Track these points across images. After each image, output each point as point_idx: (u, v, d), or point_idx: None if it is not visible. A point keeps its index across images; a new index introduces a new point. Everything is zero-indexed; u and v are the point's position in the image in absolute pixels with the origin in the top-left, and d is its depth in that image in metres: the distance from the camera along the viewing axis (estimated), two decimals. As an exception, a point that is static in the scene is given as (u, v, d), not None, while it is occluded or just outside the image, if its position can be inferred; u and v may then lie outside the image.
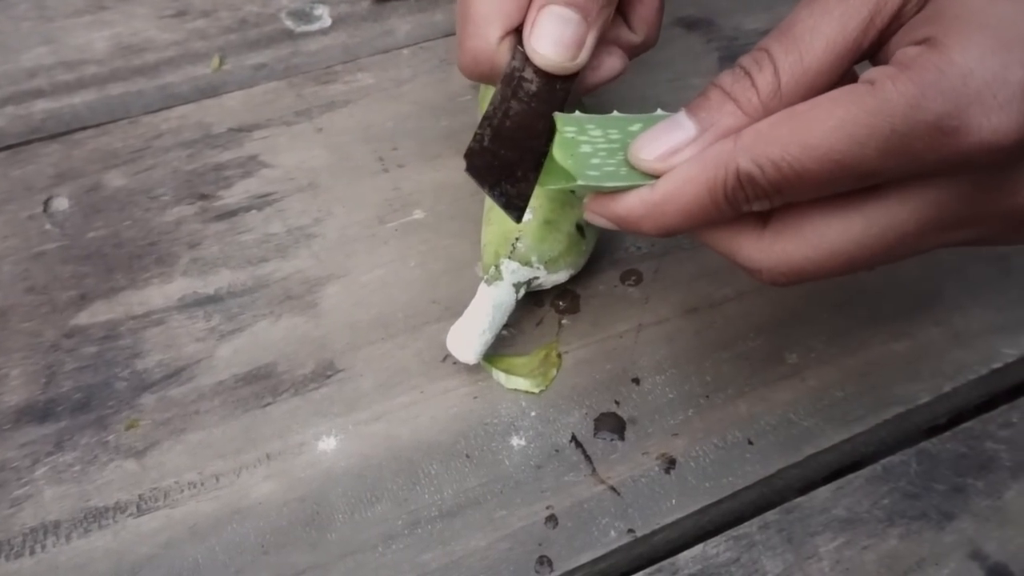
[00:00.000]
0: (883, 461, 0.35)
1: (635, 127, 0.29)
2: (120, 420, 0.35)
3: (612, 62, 0.33)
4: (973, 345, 0.38)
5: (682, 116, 0.28)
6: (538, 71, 0.31)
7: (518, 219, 0.32)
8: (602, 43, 0.32)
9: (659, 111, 0.29)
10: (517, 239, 0.36)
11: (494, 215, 0.37)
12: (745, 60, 0.27)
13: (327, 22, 0.52)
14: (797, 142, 0.25)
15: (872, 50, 0.27)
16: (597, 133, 0.29)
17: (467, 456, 0.34)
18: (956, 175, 0.25)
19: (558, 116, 0.30)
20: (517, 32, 0.31)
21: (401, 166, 0.44)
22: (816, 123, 0.24)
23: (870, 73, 0.25)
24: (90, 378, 0.36)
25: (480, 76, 0.32)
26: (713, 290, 0.40)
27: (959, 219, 0.26)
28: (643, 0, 0.33)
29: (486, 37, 0.31)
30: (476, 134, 0.31)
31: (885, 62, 0.26)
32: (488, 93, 0.42)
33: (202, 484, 0.33)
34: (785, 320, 0.39)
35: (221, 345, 0.37)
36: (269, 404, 0.36)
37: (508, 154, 0.31)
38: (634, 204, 0.28)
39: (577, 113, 0.30)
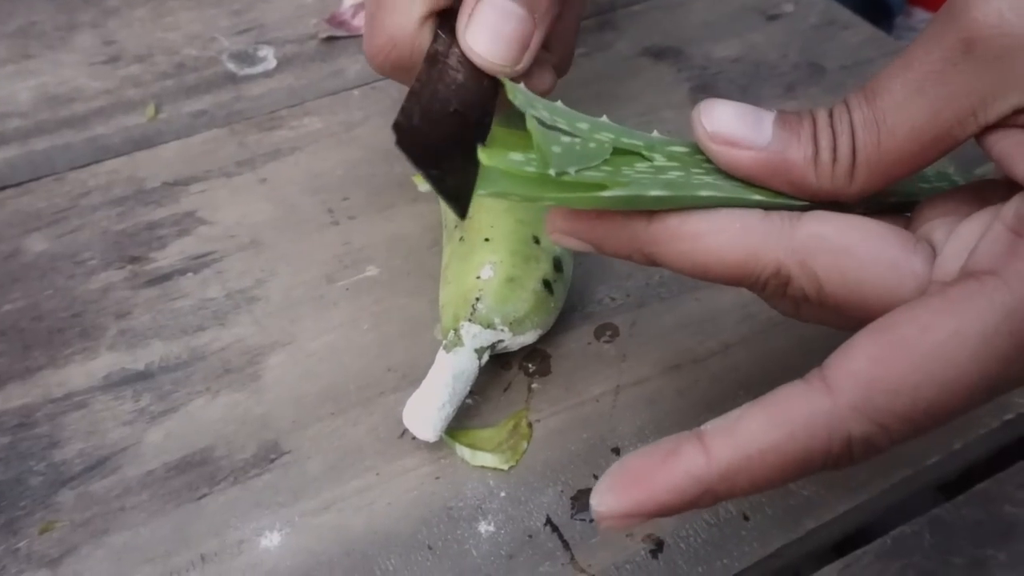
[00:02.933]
0: (893, 533, 0.31)
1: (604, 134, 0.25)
2: (33, 523, 0.31)
3: (543, 75, 0.29)
4: (981, 394, 0.35)
5: (767, 120, 0.24)
6: (464, 61, 0.27)
7: (462, 215, 0.24)
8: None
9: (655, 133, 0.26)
10: (477, 299, 0.32)
11: (451, 272, 0.34)
12: (839, 112, 0.23)
13: (272, 64, 0.49)
14: (930, 384, 0.19)
15: (971, 138, 0.22)
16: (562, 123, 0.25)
17: (429, 547, 0.31)
18: None
19: (508, 84, 0.25)
20: (440, 16, 0.27)
21: (352, 218, 0.41)
22: (948, 354, 0.19)
23: (988, 257, 0.20)
24: (0, 474, 0.32)
25: (393, 65, 0.27)
26: (696, 343, 0.36)
27: None
28: (562, 15, 0.29)
29: (408, 13, 0.27)
30: (404, 107, 0.26)
31: (985, 147, 0.22)
32: None
33: (126, 595, 0.29)
34: (776, 375, 0.35)
35: (151, 429, 0.33)
36: (205, 496, 0.32)
37: (440, 139, 0.26)
38: (686, 489, 0.20)
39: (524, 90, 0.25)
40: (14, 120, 0.45)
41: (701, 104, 0.25)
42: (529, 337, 0.33)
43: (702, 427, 0.21)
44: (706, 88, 0.48)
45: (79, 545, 0.30)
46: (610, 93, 0.47)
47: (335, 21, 0.51)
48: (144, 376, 0.35)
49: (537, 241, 0.33)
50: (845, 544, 0.32)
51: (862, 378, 0.20)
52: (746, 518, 0.31)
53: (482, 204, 0.33)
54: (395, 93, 0.47)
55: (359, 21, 0.51)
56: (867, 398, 0.20)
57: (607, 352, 0.36)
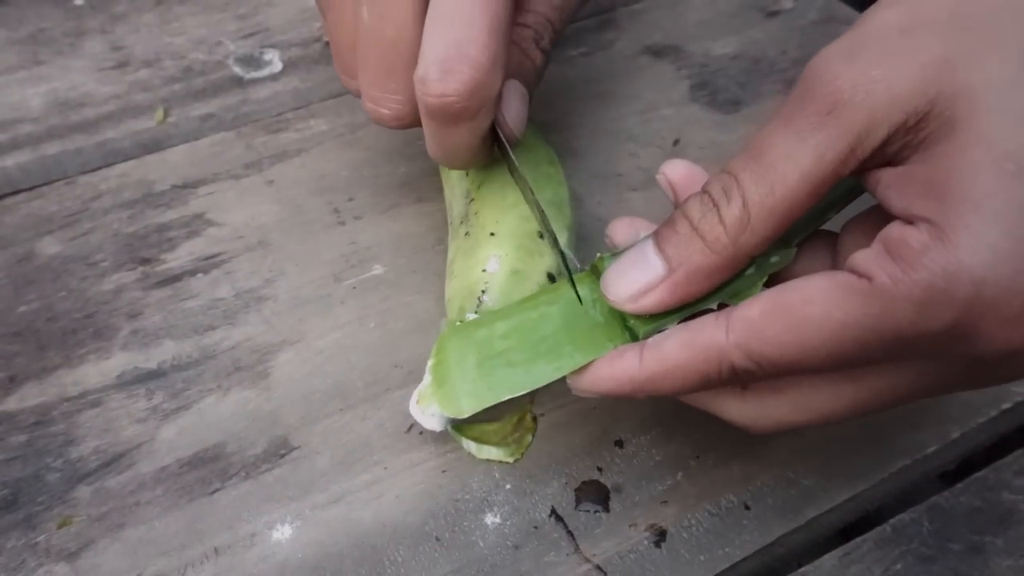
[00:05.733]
0: (892, 520, 0.32)
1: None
2: (51, 518, 0.32)
3: (518, 106, 0.32)
4: (979, 384, 0.35)
5: (649, 250, 0.27)
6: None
7: None
8: (506, 78, 0.31)
9: None
10: (483, 291, 0.33)
11: (457, 267, 0.34)
12: (714, 188, 0.26)
13: (278, 67, 0.49)
14: (795, 343, 0.23)
15: (851, 175, 0.25)
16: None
17: (437, 539, 0.31)
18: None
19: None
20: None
21: (358, 218, 0.41)
22: (814, 326, 0.23)
23: (865, 263, 0.23)
24: (18, 471, 0.33)
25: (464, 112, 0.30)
26: (697, 337, 0.37)
27: (952, 385, 0.25)
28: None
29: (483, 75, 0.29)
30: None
31: (869, 188, 0.25)
32: None
33: (142, 587, 0.30)
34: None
35: (164, 426, 0.34)
36: (217, 491, 0.32)
37: None
38: (623, 383, 0.27)
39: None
40: (26, 125, 0.46)
41: (600, 283, 0.28)
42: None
43: (647, 341, 0.27)
44: (706, 85, 0.48)
45: (96, 539, 0.31)
46: (610, 92, 0.48)
47: (339, 24, 0.51)
48: (156, 375, 0.35)
49: (541, 236, 0.34)
50: (845, 532, 0.33)
51: (748, 326, 0.24)
52: (747, 507, 0.32)
53: (486, 200, 0.34)
54: (399, 94, 0.47)
55: (363, 24, 0.51)
56: (747, 341, 0.24)
57: (610, 346, 0.36)
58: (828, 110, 0.23)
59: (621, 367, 0.26)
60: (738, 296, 0.27)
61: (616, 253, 0.29)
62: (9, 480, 0.32)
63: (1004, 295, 0.21)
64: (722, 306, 0.27)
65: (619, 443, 0.34)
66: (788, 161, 0.24)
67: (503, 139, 0.32)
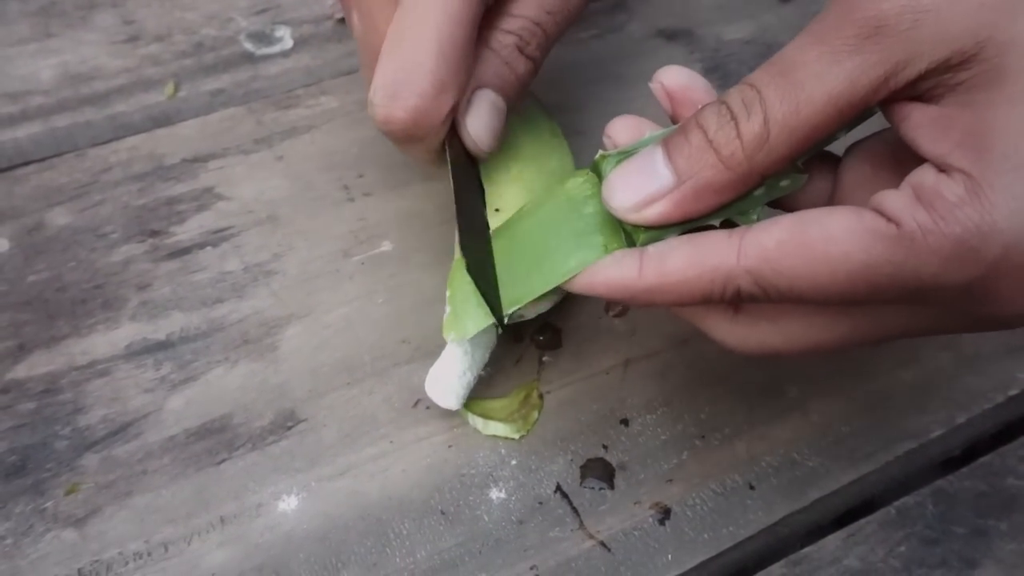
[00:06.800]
0: (896, 503, 0.32)
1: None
2: (59, 484, 0.32)
3: (487, 118, 0.32)
4: (985, 370, 0.35)
5: (659, 159, 0.25)
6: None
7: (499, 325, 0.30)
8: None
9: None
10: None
11: (465, 246, 0.34)
12: (734, 99, 0.24)
13: (289, 44, 0.49)
14: (808, 278, 0.23)
15: (879, 104, 0.24)
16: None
17: (442, 512, 0.31)
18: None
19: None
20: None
21: (367, 194, 0.41)
22: (832, 265, 0.22)
23: (894, 207, 0.22)
24: (27, 438, 0.33)
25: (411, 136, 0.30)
26: (705, 319, 0.37)
27: (948, 329, 0.25)
28: None
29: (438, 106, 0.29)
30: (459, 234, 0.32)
31: (894, 120, 0.24)
32: None
33: (149, 554, 0.30)
34: (783, 349, 0.36)
35: (172, 396, 0.34)
36: (224, 461, 0.32)
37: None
38: (617, 290, 0.26)
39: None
40: (37, 97, 0.46)
41: (602, 189, 0.27)
42: (544, 305, 0.34)
43: (647, 248, 0.25)
44: (718, 69, 0.48)
45: (103, 506, 0.31)
46: (621, 74, 0.48)
47: (351, 2, 0.51)
48: (165, 346, 0.36)
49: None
50: (849, 515, 0.33)
51: (764, 254, 0.23)
52: (752, 488, 0.32)
53: (489, 178, 0.34)
54: (410, 73, 0.47)
55: (374, 2, 0.51)
56: (759, 269, 0.23)
57: (617, 326, 0.37)
58: (868, 34, 0.22)
59: (618, 273, 0.25)
60: (744, 215, 0.26)
61: (619, 153, 0.27)
62: (18, 447, 0.33)
63: None
64: (724, 223, 0.26)
65: (625, 421, 0.34)
66: (818, 81, 0.23)
67: (447, 152, 0.32)
